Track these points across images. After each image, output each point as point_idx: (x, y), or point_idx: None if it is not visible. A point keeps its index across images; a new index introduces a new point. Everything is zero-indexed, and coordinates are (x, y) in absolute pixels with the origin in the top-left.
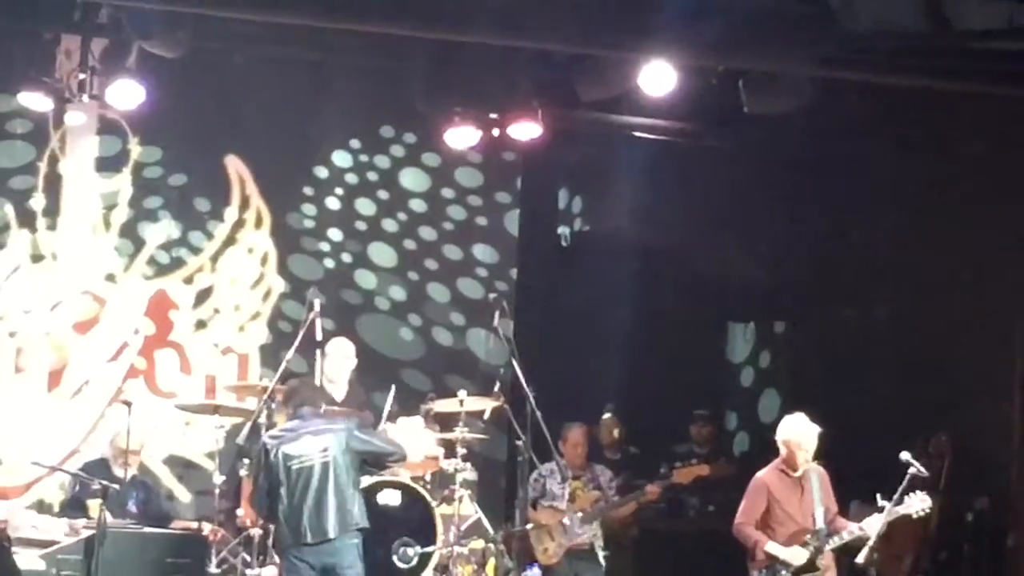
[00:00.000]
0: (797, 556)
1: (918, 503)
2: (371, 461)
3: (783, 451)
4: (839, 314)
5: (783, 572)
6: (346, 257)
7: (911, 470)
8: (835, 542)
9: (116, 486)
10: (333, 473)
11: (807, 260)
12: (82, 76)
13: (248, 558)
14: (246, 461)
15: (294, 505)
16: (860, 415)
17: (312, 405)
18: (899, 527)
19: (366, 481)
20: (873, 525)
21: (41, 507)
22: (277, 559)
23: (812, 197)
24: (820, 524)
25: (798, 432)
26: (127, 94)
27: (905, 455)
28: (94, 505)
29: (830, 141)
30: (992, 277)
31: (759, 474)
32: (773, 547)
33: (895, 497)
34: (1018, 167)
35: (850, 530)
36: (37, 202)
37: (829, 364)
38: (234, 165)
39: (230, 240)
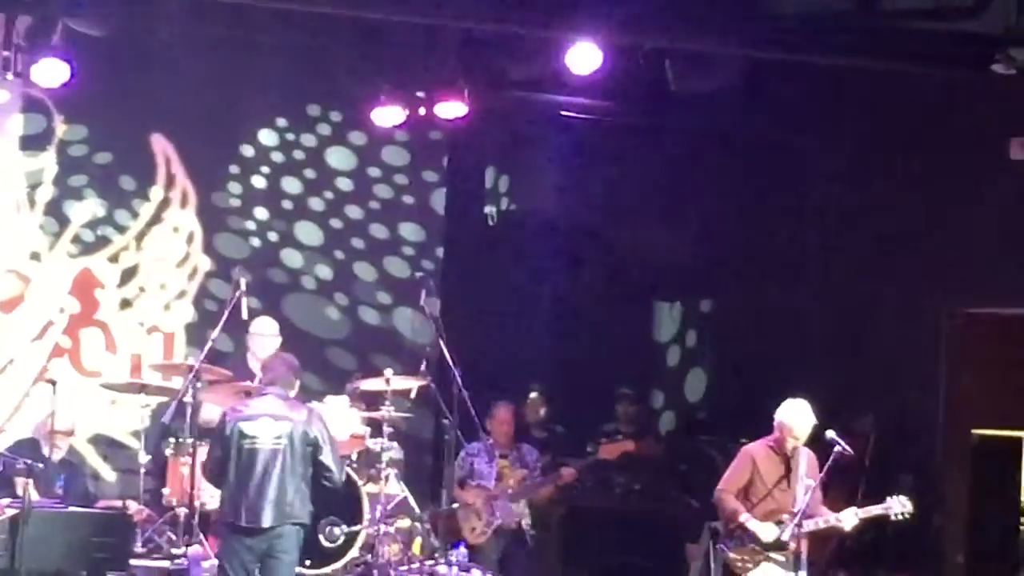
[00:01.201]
0: (768, 532)
1: (899, 506)
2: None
3: (776, 431)
4: (765, 293)
5: (751, 545)
6: (272, 236)
7: (836, 448)
8: (809, 527)
9: (41, 465)
10: (281, 462)
11: (733, 239)
12: (6, 53)
13: (174, 537)
14: (171, 440)
15: (238, 484)
16: (785, 394)
17: (284, 386)
18: (828, 507)
19: None
20: (849, 519)
21: None
22: (202, 538)
23: (738, 176)
24: (799, 506)
25: (794, 417)
26: (52, 72)
27: (830, 434)
28: (20, 484)
29: (756, 120)
30: (917, 256)
31: (748, 446)
32: (747, 519)
33: (820, 475)
34: (947, 145)
35: (826, 519)
36: None
37: (755, 343)
38: (160, 144)
39: (156, 219)
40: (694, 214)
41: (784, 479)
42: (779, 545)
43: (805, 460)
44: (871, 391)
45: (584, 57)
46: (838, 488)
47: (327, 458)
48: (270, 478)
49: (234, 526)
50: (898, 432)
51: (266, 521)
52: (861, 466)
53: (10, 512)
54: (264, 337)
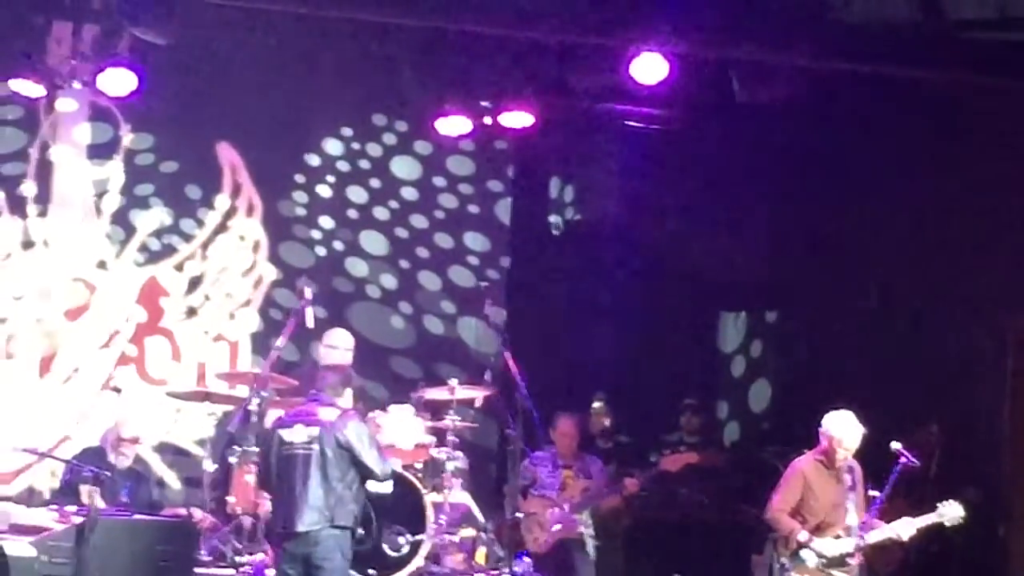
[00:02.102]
0: (829, 548)
1: (952, 512)
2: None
3: (823, 444)
4: (830, 304)
5: (811, 561)
6: (337, 245)
7: (901, 460)
8: (867, 540)
9: (107, 473)
10: (315, 466)
11: (799, 249)
12: (73, 62)
13: (238, 545)
14: (236, 449)
15: (278, 490)
16: (851, 406)
17: (331, 392)
18: (891, 518)
19: None
20: (905, 528)
21: (31, 494)
22: (267, 546)
23: (803, 186)
24: (853, 520)
25: (843, 430)
26: (118, 81)
27: (896, 445)
28: (86, 492)
29: (822, 130)
30: (983, 267)
31: (797, 462)
32: (806, 538)
33: (886, 487)
34: (1010, 158)
35: (882, 530)
36: (28, 189)
37: (820, 354)
38: (226, 152)
39: (221, 227)
40: (759, 224)
41: (836, 492)
42: (841, 561)
43: (853, 472)
44: (936, 402)
45: (650, 67)
46: (903, 500)
47: (367, 458)
48: (304, 482)
49: (276, 532)
50: (963, 443)
51: (301, 525)
52: (926, 477)
53: (76, 520)
54: (339, 351)
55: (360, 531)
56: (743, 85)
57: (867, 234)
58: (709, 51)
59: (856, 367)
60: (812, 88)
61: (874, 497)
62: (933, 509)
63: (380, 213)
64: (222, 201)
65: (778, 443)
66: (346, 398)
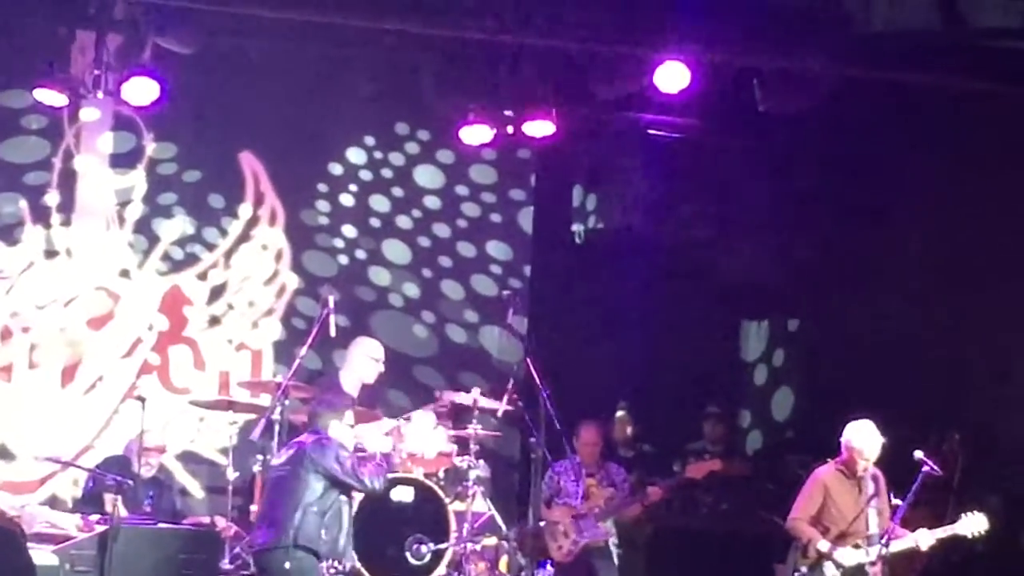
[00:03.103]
0: (849, 557)
1: (974, 524)
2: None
3: (844, 453)
4: (853, 312)
5: (831, 572)
6: (360, 254)
7: (924, 469)
8: (888, 549)
9: (130, 482)
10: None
11: (821, 258)
12: (97, 72)
13: None
14: (259, 458)
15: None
16: (873, 414)
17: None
18: (914, 527)
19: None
20: (925, 539)
21: (54, 502)
22: None
23: (825, 195)
24: (874, 529)
25: (863, 439)
26: (142, 90)
27: (919, 454)
28: (109, 501)
29: (843, 139)
30: (1005, 274)
31: (818, 471)
32: (826, 547)
33: (909, 496)
34: None
35: (903, 540)
36: (51, 198)
37: (842, 362)
38: (248, 162)
39: (244, 236)
40: (781, 233)
41: (858, 501)
42: (861, 570)
43: (874, 481)
44: (958, 411)
45: (673, 76)
46: (926, 509)
47: (335, 473)
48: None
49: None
50: (986, 452)
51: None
52: (949, 486)
53: (99, 528)
54: (381, 363)
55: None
56: (765, 93)
57: (889, 242)
58: (731, 60)
59: (879, 375)
60: (834, 96)
61: (897, 506)
62: (956, 519)
63: (403, 222)
64: (245, 210)
65: (801, 451)
66: (334, 428)
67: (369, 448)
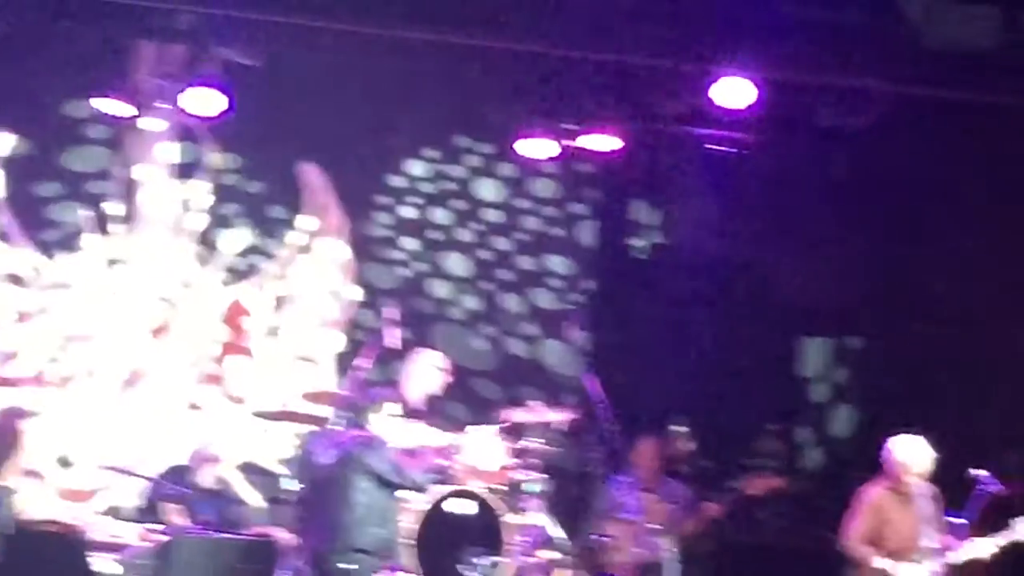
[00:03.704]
0: (909, 573)
1: None
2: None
3: (891, 469)
4: (913, 330)
5: None
6: (420, 266)
7: (982, 486)
8: (948, 561)
9: (190, 492)
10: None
11: (882, 275)
12: (160, 82)
13: None
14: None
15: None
16: (934, 432)
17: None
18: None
19: (439, 490)
20: (985, 548)
21: (113, 511)
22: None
23: (886, 212)
24: (931, 544)
25: (911, 455)
26: (205, 101)
27: (977, 472)
28: (168, 510)
29: (905, 155)
30: None
31: (867, 489)
32: (882, 563)
33: (970, 513)
34: None
35: (962, 551)
36: (114, 208)
37: (903, 380)
38: (311, 173)
39: (305, 248)
40: (842, 249)
41: (910, 517)
42: None
43: (926, 495)
44: (1020, 428)
45: (736, 92)
46: (990, 526)
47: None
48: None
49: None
50: None
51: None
52: (1011, 503)
53: (159, 538)
54: (444, 372)
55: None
56: (826, 110)
57: (950, 259)
58: (793, 76)
59: (939, 392)
60: (895, 113)
61: (955, 522)
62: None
63: (463, 235)
64: (306, 222)
65: (860, 469)
66: (375, 421)
67: (413, 442)
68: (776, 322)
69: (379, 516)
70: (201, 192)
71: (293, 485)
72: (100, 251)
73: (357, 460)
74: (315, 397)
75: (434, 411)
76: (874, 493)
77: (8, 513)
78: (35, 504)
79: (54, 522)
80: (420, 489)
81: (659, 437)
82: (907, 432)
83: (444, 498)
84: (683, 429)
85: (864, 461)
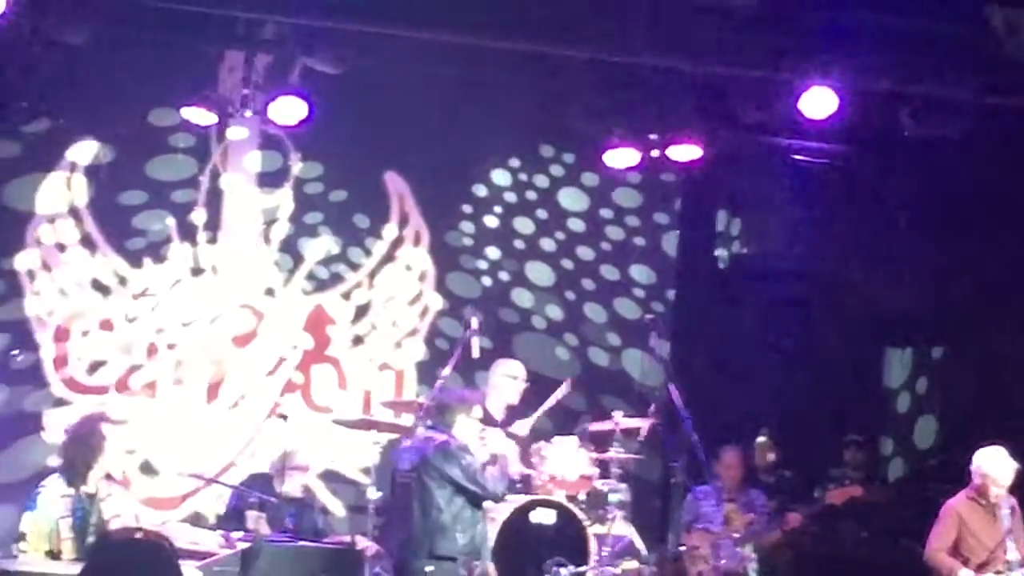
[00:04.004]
0: None
1: None
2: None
3: (976, 481)
4: (998, 341)
5: None
6: (504, 275)
7: None
8: None
9: (273, 500)
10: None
11: (966, 285)
12: (245, 91)
13: None
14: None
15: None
16: (1017, 442)
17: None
18: None
19: (521, 499)
20: None
21: (197, 519)
22: None
23: (970, 222)
24: (1014, 556)
25: (996, 466)
26: (289, 110)
27: None
28: (252, 518)
29: (990, 165)
30: None
31: (951, 501)
32: (966, 574)
33: None
34: None
35: None
36: (198, 216)
37: (986, 391)
38: (394, 182)
39: (388, 257)
40: (926, 259)
41: (994, 529)
42: None
43: (1008, 506)
44: None
45: (819, 101)
46: None
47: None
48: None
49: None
50: None
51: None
52: None
53: (241, 546)
54: (519, 381)
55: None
56: (912, 119)
57: None
58: (878, 85)
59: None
60: (981, 123)
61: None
62: None
63: (547, 244)
64: (390, 230)
65: (944, 480)
66: (460, 424)
67: (494, 450)
68: (859, 332)
69: (459, 523)
70: (285, 201)
71: (374, 493)
72: (185, 259)
73: (434, 467)
74: (396, 405)
75: (515, 420)
76: (957, 503)
77: (95, 519)
78: (120, 511)
79: (139, 528)
80: (496, 498)
81: (742, 447)
82: (990, 443)
83: (525, 507)
84: (765, 439)
85: (946, 471)
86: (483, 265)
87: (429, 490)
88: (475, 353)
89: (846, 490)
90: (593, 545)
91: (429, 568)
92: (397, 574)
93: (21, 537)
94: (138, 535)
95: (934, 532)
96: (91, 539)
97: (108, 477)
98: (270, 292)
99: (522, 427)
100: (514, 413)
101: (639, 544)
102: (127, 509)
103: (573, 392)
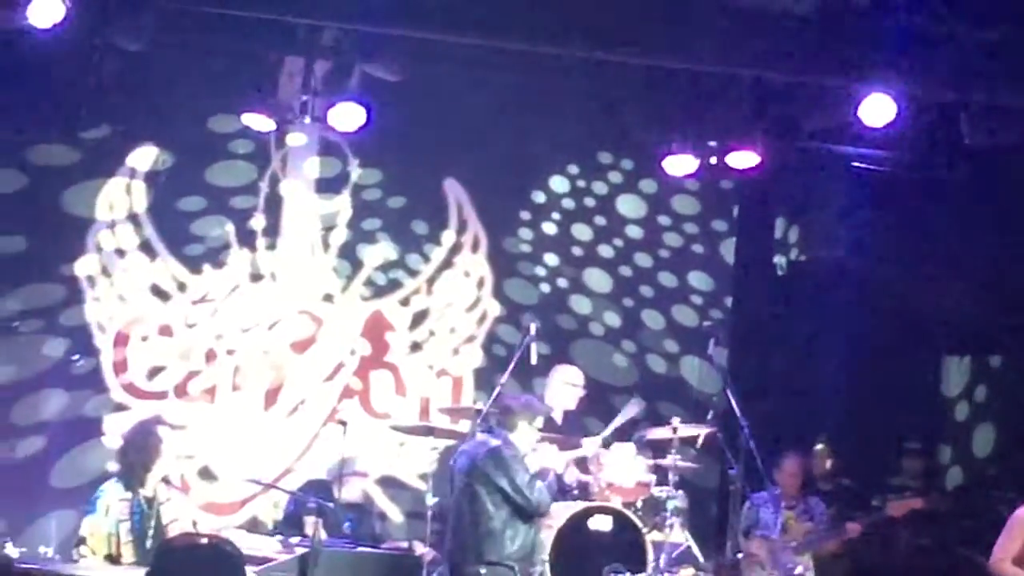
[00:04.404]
0: None
1: None
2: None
3: None
4: None
5: None
6: (562, 282)
7: None
8: None
9: (331, 505)
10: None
11: None
12: (304, 98)
13: None
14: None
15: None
16: None
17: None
18: None
19: (578, 506)
20: None
21: (255, 524)
22: None
23: None
24: None
25: None
26: (348, 116)
27: None
28: (309, 523)
29: None
30: None
31: (1019, 510)
32: None
33: None
34: None
35: None
36: (258, 222)
37: None
38: (452, 189)
39: (447, 263)
40: (985, 268)
41: None
42: None
43: None
44: None
45: (879, 109)
46: None
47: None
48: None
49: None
50: None
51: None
52: None
53: (299, 551)
54: (579, 388)
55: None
56: (972, 127)
57: None
58: (938, 93)
59: None
60: None
61: None
62: None
63: (605, 251)
64: (448, 237)
65: (1003, 489)
66: (520, 431)
67: (544, 462)
68: (917, 340)
69: (509, 529)
70: (344, 207)
71: (432, 499)
72: (244, 265)
73: (484, 472)
74: (454, 412)
75: (574, 426)
76: (1022, 512)
77: (154, 524)
78: (179, 515)
79: (199, 533)
80: (537, 512)
81: (802, 454)
82: None
83: (583, 514)
84: (824, 447)
85: (1004, 480)
86: (541, 272)
87: (479, 496)
88: (533, 360)
89: (907, 502)
90: (650, 552)
91: (483, 571)
92: None
93: (81, 541)
94: (202, 540)
95: (1000, 540)
96: (150, 543)
97: (166, 481)
98: (328, 298)
99: (591, 445)
100: (576, 419)
101: (696, 551)
102: (185, 514)
103: (638, 408)
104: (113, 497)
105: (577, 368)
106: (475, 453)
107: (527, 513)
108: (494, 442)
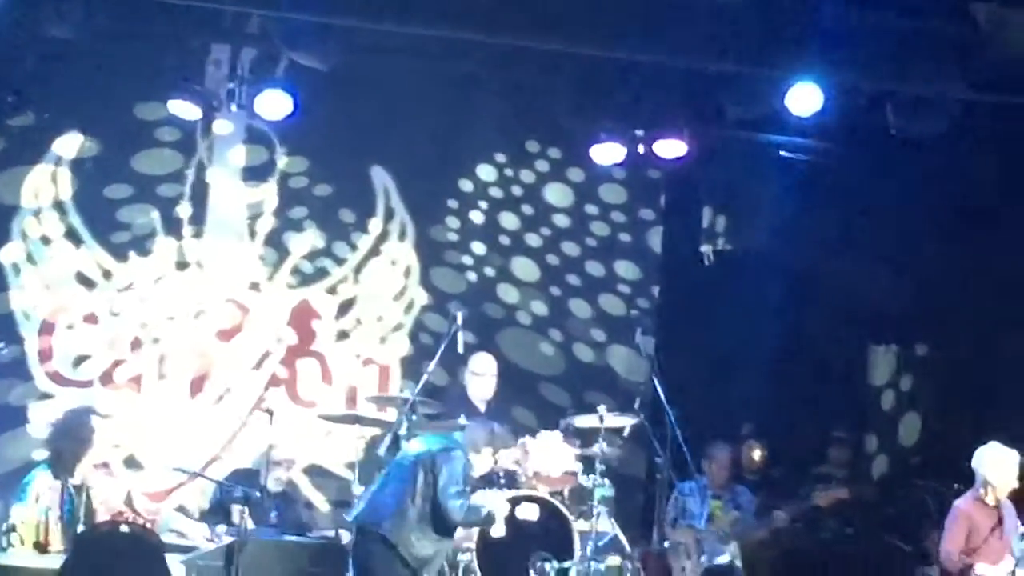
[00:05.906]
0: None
1: None
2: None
3: (981, 482)
4: (982, 338)
5: None
6: (489, 271)
7: None
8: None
9: (258, 494)
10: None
11: (950, 282)
12: (231, 85)
13: None
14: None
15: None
16: (1002, 439)
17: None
18: None
19: (505, 495)
20: None
21: (182, 512)
22: None
23: (957, 220)
24: (1018, 554)
25: (992, 464)
26: (275, 104)
27: None
28: (236, 512)
29: (976, 163)
30: None
31: (957, 503)
32: (984, 568)
33: None
34: None
35: None
36: (183, 210)
37: (971, 388)
38: (379, 177)
39: (374, 251)
40: (910, 257)
41: (997, 529)
42: None
43: (1010, 505)
44: None
45: (805, 98)
46: None
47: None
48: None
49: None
50: None
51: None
52: None
53: (226, 540)
54: (485, 377)
55: None
56: (898, 117)
57: (1020, 266)
58: (864, 82)
59: (1008, 400)
60: (966, 120)
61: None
62: None
63: (532, 240)
64: (375, 225)
65: (928, 477)
66: (483, 455)
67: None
68: (844, 329)
69: (419, 531)
70: (271, 195)
71: (358, 487)
72: (170, 253)
73: (432, 459)
74: (381, 401)
75: (501, 416)
76: (964, 504)
77: (84, 511)
78: (107, 503)
79: (124, 521)
80: (452, 522)
81: (729, 444)
82: (977, 440)
83: (509, 502)
84: (751, 436)
85: (929, 468)
86: (468, 260)
87: (415, 483)
88: (460, 348)
89: (833, 492)
90: (577, 541)
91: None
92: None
93: (12, 529)
94: (123, 528)
95: (948, 533)
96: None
97: (97, 467)
98: (255, 286)
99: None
100: (497, 411)
101: (623, 540)
102: (116, 499)
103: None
104: (43, 485)
105: (488, 356)
106: (433, 440)
107: (441, 521)
108: (456, 442)
